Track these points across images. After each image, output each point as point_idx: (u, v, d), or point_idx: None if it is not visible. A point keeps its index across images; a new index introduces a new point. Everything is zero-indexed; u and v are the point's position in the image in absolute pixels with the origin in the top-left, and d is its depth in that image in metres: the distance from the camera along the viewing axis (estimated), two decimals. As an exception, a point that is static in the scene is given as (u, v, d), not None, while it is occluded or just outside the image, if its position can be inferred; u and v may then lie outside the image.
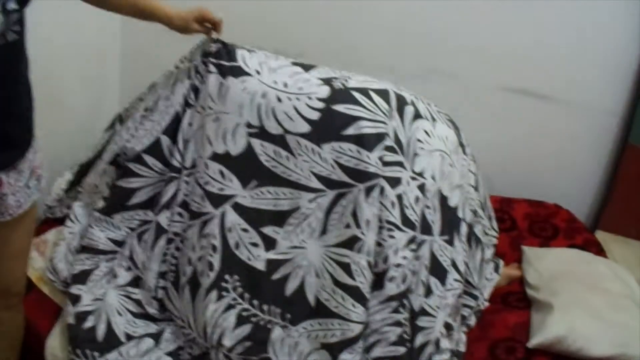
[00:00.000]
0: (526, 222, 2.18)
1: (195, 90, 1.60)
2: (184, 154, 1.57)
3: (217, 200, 1.51)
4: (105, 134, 1.82)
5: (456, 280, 1.59)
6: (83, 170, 1.79)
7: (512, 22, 2.20)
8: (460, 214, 1.62)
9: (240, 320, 1.46)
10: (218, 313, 1.46)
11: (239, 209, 1.50)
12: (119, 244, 1.63)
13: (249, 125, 1.53)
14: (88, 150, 2.03)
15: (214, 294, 1.47)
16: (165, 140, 1.60)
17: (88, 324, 1.51)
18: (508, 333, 1.66)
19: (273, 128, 1.52)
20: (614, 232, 2.30)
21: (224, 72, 1.57)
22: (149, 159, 1.61)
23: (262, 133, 1.52)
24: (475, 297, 1.71)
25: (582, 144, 2.34)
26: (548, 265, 1.88)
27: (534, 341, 1.60)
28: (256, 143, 1.52)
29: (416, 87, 1.71)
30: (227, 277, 1.48)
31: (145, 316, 1.56)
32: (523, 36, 2.21)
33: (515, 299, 1.81)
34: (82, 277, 1.59)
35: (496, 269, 1.83)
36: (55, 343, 1.52)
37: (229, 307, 1.47)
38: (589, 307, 1.67)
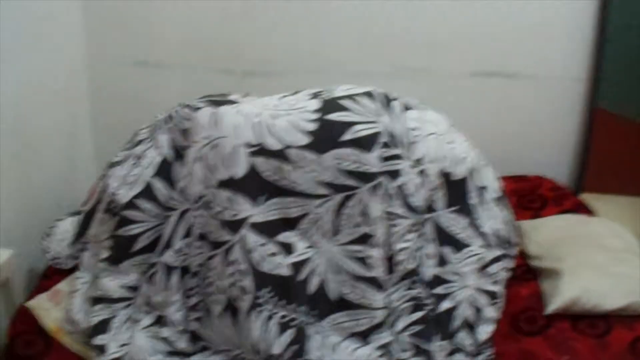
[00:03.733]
0: (514, 198, 2.22)
1: (183, 131, 1.64)
2: (184, 190, 1.60)
3: (233, 226, 1.54)
4: (100, 182, 1.81)
5: (483, 246, 1.69)
6: (86, 221, 1.78)
7: (472, 9, 2.27)
8: (477, 183, 1.73)
9: (283, 327, 1.50)
10: (263, 328, 1.49)
11: (255, 228, 1.54)
12: (133, 289, 1.63)
13: (249, 145, 1.56)
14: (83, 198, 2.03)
15: (254, 315, 1.50)
16: (156, 183, 1.62)
17: None
18: (524, 304, 1.71)
19: (273, 144, 1.56)
20: (596, 192, 2.37)
21: (214, 103, 1.63)
22: (141, 203, 1.62)
23: (262, 151, 1.55)
24: (512, 258, 1.80)
25: (553, 113, 2.43)
26: (546, 235, 1.94)
27: (552, 307, 1.65)
28: (258, 161, 1.55)
29: (386, 85, 1.76)
30: (259, 293, 1.51)
31: (176, 354, 1.55)
32: (484, 21, 2.29)
33: (522, 272, 1.85)
34: (102, 327, 1.58)
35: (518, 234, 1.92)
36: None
37: (269, 318, 1.50)
38: (595, 266, 1.73)
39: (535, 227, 1.99)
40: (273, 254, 1.53)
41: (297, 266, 1.55)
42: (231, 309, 1.52)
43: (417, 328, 1.56)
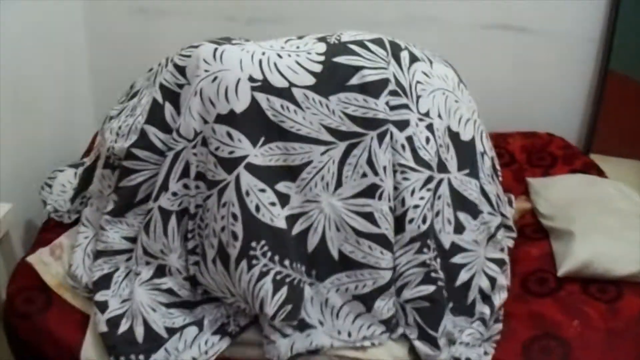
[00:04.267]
0: (524, 155, 2.20)
1: (181, 70, 1.54)
2: (180, 129, 1.50)
3: (229, 164, 1.45)
4: (99, 137, 1.75)
5: (490, 213, 1.62)
6: (87, 177, 1.72)
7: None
8: (479, 147, 1.64)
9: (277, 285, 1.43)
10: (252, 283, 1.42)
11: (251, 169, 1.45)
12: (134, 240, 1.57)
13: (252, 79, 1.47)
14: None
15: (244, 264, 1.42)
16: (150, 130, 1.54)
17: (123, 328, 1.45)
18: (535, 265, 1.69)
19: (278, 81, 1.48)
20: (605, 154, 2.33)
21: (217, 42, 1.55)
22: (139, 152, 1.54)
23: (266, 87, 1.47)
24: (512, 229, 1.73)
25: (565, 72, 2.37)
26: (557, 194, 1.90)
27: (563, 269, 1.62)
28: (261, 97, 1.47)
29: (395, 34, 1.69)
30: (253, 244, 1.43)
31: (180, 304, 1.52)
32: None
33: (532, 231, 1.82)
34: (104, 283, 1.53)
35: (510, 203, 1.84)
36: (90, 354, 1.45)
37: (262, 274, 1.42)
38: (607, 229, 1.70)
39: (546, 186, 1.95)
40: (273, 204, 1.46)
41: (291, 220, 1.48)
42: (223, 254, 1.45)
43: (424, 304, 1.48)
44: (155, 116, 1.55)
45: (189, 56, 1.54)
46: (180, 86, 1.54)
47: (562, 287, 1.61)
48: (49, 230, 1.76)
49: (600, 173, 2.08)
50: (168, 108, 1.54)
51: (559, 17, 2.27)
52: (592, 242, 1.64)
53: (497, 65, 2.36)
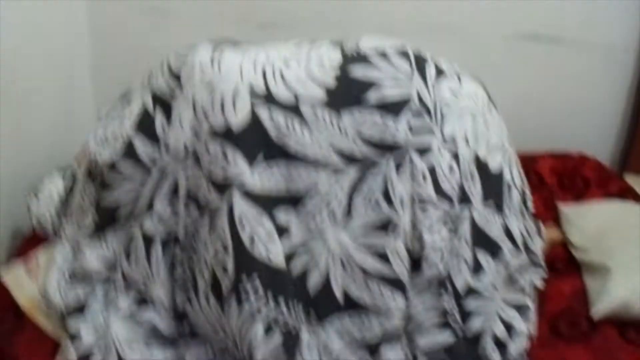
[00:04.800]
0: (554, 177, 2.03)
1: (175, 75, 1.36)
2: (169, 142, 1.34)
3: (223, 188, 1.27)
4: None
5: (512, 250, 1.43)
6: (72, 187, 1.58)
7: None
8: (507, 178, 1.45)
9: (268, 329, 1.25)
10: (241, 324, 1.25)
11: (247, 195, 1.27)
12: (113, 262, 1.41)
13: (253, 91, 1.29)
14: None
15: (233, 301, 1.25)
16: (137, 141, 1.37)
17: None
18: (565, 304, 1.51)
19: (283, 95, 1.29)
20: (640, 173, 2.18)
21: (217, 43, 1.38)
22: (123, 166, 1.37)
23: (269, 100, 1.29)
24: (542, 267, 1.54)
25: (599, 84, 2.22)
26: (591, 223, 1.71)
27: (598, 310, 1.45)
28: (263, 113, 1.28)
29: (414, 42, 1.51)
30: (244, 278, 1.25)
31: (161, 339, 1.34)
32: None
33: (562, 264, 1.64)
34: (78, 308, 1.38)
35: (539, 233, 1.65)
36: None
37: (252, 315, 1.24)
38: (649, 265, 1.52)
39: (579, 214, 1.77)
40: (269, 236, 1.27)
41: (293, 255, 1.30)
42: (217, 287, 1.28)
43: (442, 357, 1.30)
44: (144, 125, 1.37)
45: (184, 58, 1.37)
46: (174, 93, 1.36)
47: (596, 331, 1.43)
48: (33, 242, 1.62)
49: (637, 198, 1.90)
50: (159, 118, 1.36)
51: (592, 26, 2.12)
52: (631, 280, 1.46)
53: (524, 79, 2.20)
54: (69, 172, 1.71)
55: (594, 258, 1.58)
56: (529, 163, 2.04)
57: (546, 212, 1.85)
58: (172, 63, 1.39)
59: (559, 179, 2.02)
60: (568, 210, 1.80)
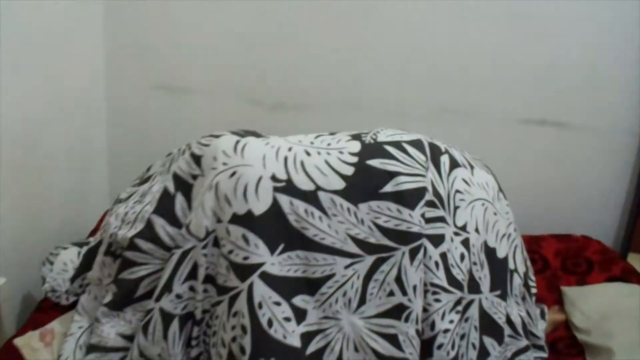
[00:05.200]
0: (558, 260, 2.05)
1: (197, 160, 1.44)
2: (190, 225, 1.39)
3: (243, 271, 1.33)
4: (106, 218, 1.67)
5: (511, 336, 1.45)
6: (88, 261, 1.62)
7: (523, 48, 2.11)
8: (511, 265, 1.50)
9: None
10: None
11: (267, 279, 1.32)
12: (130, 339, 1.44)
13: (275, 178, 1.36)
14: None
15: None
16: (158, 221, 1.42)
17: None
18: (568, 387, 1.52)
19: (303, 183, 1.36)
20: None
21: (239, 133, 1.45)
22: (144, 244, 1.42)
23: (290, 188, 1.35)
24: (543, 349, 1.55)
25: (603, 167, 2.26)
26: (594, 305, 1.74)
27: (601, 394, 1.46)
28: (284, 200, 1.34)
29: (427, 128, 1.62)
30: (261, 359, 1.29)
31: None
32: (535, 63, 2.13)
33: (565, 346, 1.66)
34: None
35: (542, 316, 1.68)
36: None
37: None
38: (651, 348, 1.53)
39: (581, 296, 1.80)
40: (287, 319, 1.32)
41: (307, 338, 1.33)
42: None
43: None
44: (164, 207, 1.44)
45: (207, 145, 1.45)
46: (195, 177, 1.43)
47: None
48: (45, 310, 1.65)
49: (640, 280, 1.92)
50: (179, 200, 1.43)
51: (597, 111, 2.19)
52: (633, 363, 1.47)
53: (531, 162, 2.25)
54: (86, 247, 1.75)
55: (596, 340, 1.60)
56: (534, 245, 2.09)
57: (549, 294, 1.87)
58: (194, 149, 1.46)
59: (562, 261, 2.04)
60: (571, 292, 1.83)
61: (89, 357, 1.43)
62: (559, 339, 1.68)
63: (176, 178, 1.44)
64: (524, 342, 1.49)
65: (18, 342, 1.51)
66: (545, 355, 1.56)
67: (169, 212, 1.42)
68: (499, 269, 1.46)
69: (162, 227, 1.41)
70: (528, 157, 2.24)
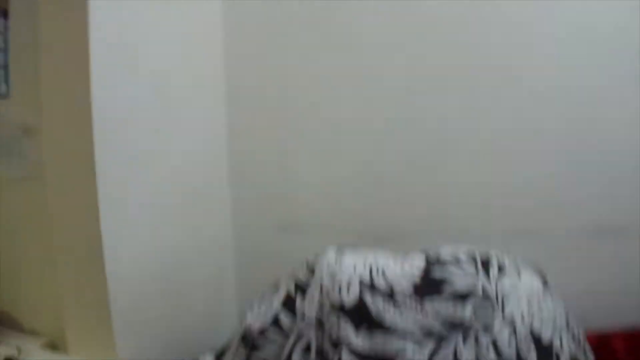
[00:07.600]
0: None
1: (312, 270, 1.95)
2: (304, 314, 1.89)
3: (335, 344, 1.77)
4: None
5: None
6: (222, 351, 2.08)
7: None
8: (556, 348, 1.77)
9: None
10: None
11: (353, 352, 1.75)
12: None
13: (362, 281, 1.83)
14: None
15: None
16: (282, 314, 1.91)
17: None
18: None
19: (382, 285, 1.83)
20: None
21: (339, 250, 1.97)
22: (270, 333, 1.91)
23: (372, 288, 1.82)
24: None
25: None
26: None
27: None
28: (367, 297, 1.81)
29: (485, 245, 1.97)
30: None
31: None
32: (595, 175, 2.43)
33: None
34: None
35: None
36: None
37: None
38: None
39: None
40: None
41: None
42: None
43: None
44: (287, 304, 1.93)
45: (318, 258, 1.96)
46: (309, 281, 1.94)
47: None
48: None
49: None
50: (298, 298, 1.93)
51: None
52: None
53: (594, 271, 2.46)
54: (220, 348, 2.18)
55: None
56: (602, 343, 2.24)
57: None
58: (309, 261, 1.99)
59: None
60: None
61: None
62: None
63: (297, 284, 1.96)
64: None
65: None
66: None
67: (290, 307, 1.92)
68: (544, 353, 1.74)
69: (285, 318, 1.91)
70: (592, 266, 2.45)
